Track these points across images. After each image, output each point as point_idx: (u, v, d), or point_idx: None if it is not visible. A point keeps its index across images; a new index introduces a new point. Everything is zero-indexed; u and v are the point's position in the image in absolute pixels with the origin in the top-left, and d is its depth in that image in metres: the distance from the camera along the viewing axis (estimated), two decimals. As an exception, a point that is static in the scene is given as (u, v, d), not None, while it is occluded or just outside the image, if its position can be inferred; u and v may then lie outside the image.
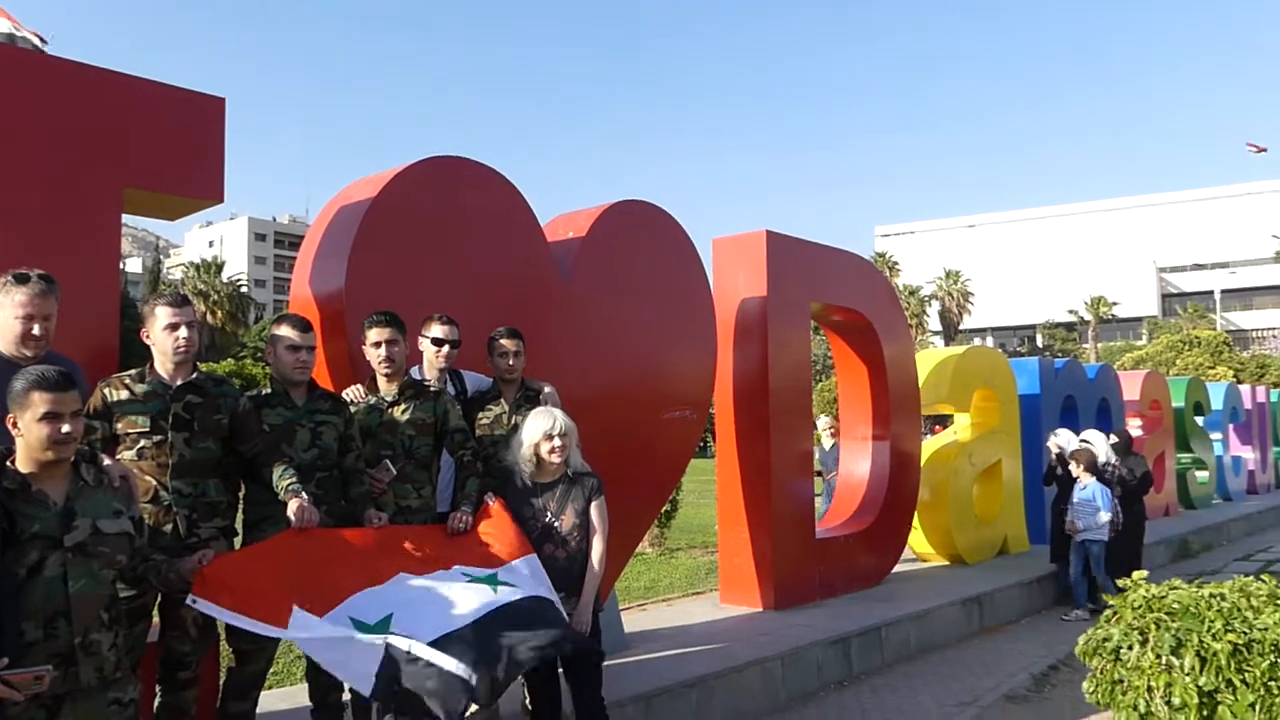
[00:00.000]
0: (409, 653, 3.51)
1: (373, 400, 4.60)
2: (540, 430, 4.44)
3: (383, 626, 3.60)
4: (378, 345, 4.55)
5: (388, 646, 3.51)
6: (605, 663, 4.70)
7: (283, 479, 3.93)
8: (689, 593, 9.76)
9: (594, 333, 6.57)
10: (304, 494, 3.87)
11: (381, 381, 4.63)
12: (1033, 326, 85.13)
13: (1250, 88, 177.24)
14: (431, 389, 4.73)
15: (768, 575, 8.12)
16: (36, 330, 3.53)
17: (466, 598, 3.86)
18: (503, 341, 5.06)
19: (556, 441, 4.43)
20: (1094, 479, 9.51)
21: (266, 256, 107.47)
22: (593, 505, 4.50)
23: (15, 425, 2.91)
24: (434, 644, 3.58)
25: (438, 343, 4.87)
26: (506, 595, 3.95)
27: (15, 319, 3.51)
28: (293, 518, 3.78)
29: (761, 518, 8.14)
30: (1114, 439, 10.43)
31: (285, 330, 4.23)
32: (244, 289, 66.26)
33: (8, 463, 2.95)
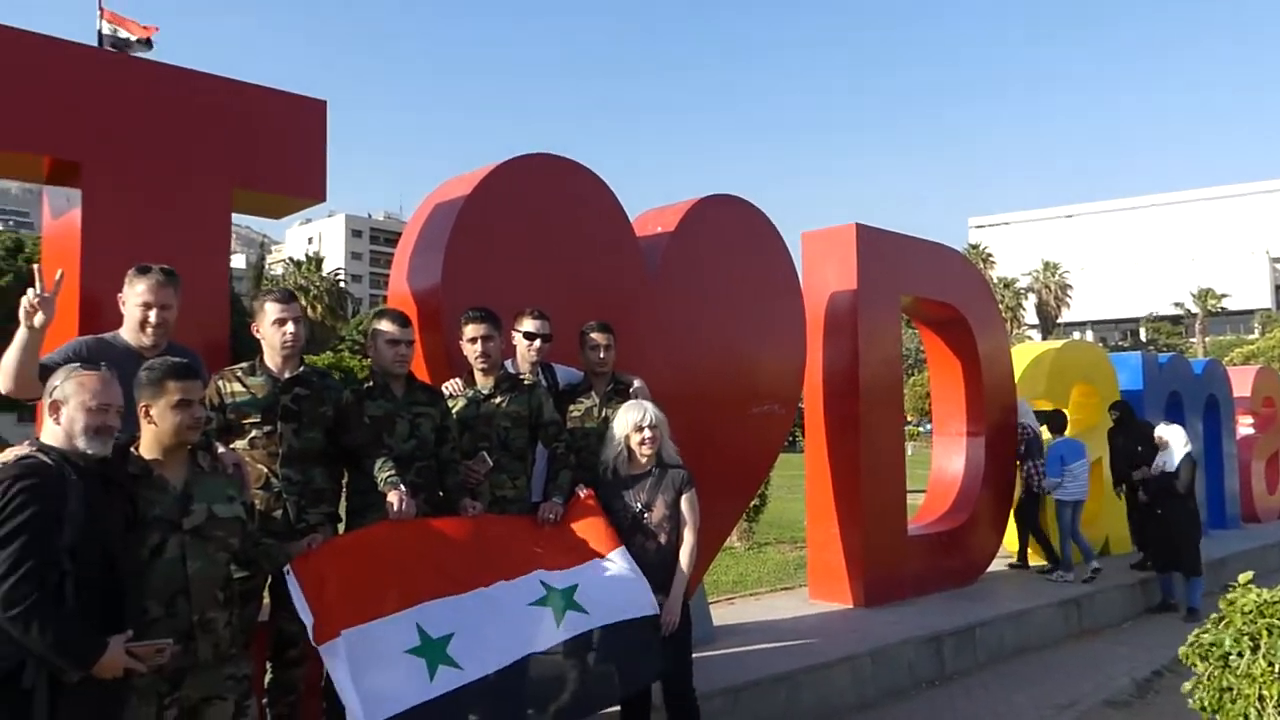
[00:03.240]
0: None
1: (470, 393, 4.70)
2: (631, 422, 4.51)
3: (441, 644, 3.69)
4: (474, 341, 4.64)
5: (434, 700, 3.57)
6: (693, 655, 4.72)
7: (382, 470, 4.05)
8: (777, 588, 9.71)
9: (682, 327, 6.59)
10: (402, 486, 3.98)
11: (478, 375, 4.72)
12: (1136, 320, 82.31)
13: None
14: (526, 382, 4.81)
15: (858, 572, 8.05)
16: (153, 317, 3.75)
17: (535, 627, 3.96)
18: (593, 335, 5.11)
19: (647, 433, 4.48)
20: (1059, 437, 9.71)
21: (362, 252, 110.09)
22: (683, 498, 4.52)
23: (148, 413, 3.10)
24: (496, 675, 3.74)
25: (530, 336, 4.95)
26: (575, 626, 4.03)
27: (136, 307, 3.76)
28: (391, 510, 3.91)
29: (852, 514, 8.07)
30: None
31: (385, 325, 4.35)
32: (342, 284, 67.93)
33: (132, 449, 3.12)
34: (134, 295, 3.77)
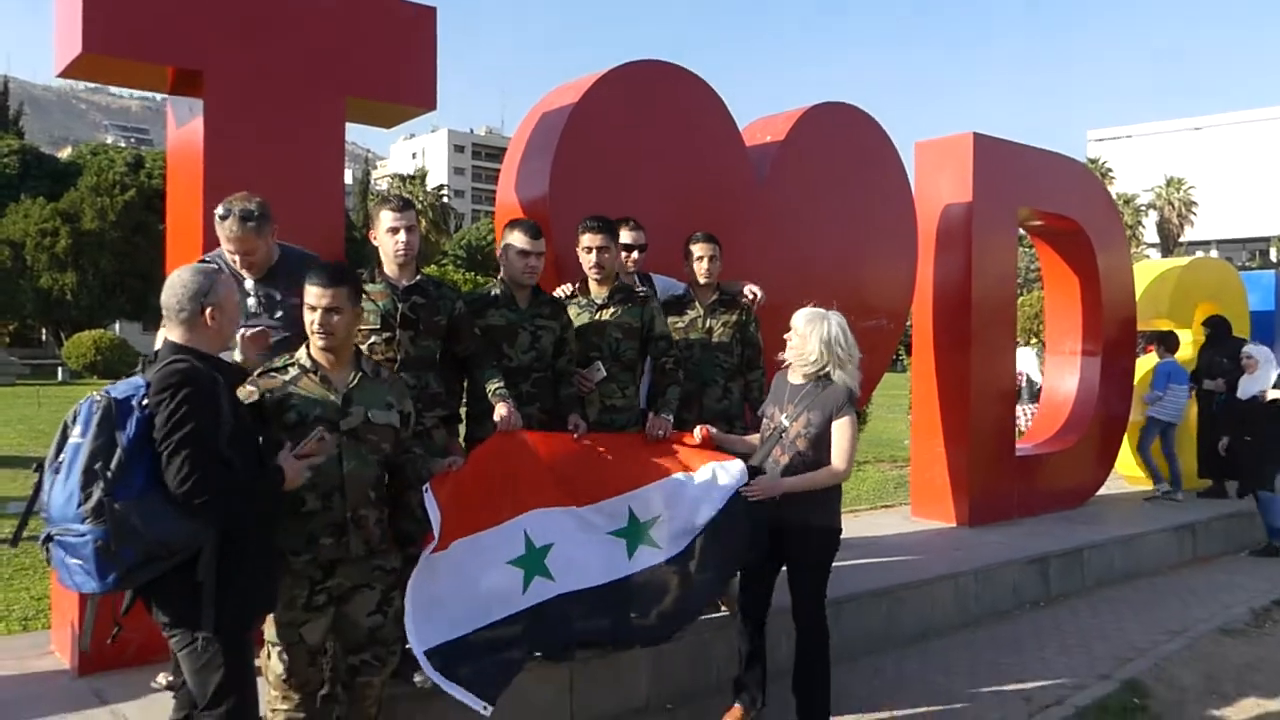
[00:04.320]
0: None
1: (584, 302, 4.72)
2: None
3: (541, 554, 3.84)
4: (589, 250, 4.62)
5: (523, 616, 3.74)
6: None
7: (490, 383, 4.12)
8: (877, 505, 9.67)
9: (790, 238, 6.48)
10: (509, 400, 4.04)
11: (592, 285, 4.72)
12: (1266, 239, 77.83)
13: None
14: (640, 294, 4.79)
15: (963, 490, 7.94)
16: (239, 262, 3.85)
17: (609, 557, 4.07)
18: (697, 246, 5.07)
19: (790, 338, 4.34)
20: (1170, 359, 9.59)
21: (465, 168, 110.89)
22: (835, 424, 4.25)
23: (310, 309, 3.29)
24: (581, 591, 3.90)
25: (626, 249, 4.90)
26: (642, 561, 4.10)
27: (227, 253, 3.86)
28: (498, 422, 3.97)
29: (959, 432, 7.94)
30: None
31: (516, 236, 4.36)
32: (445, 199, 68.73)
33: (302, 349, 3.34)
34: (221, 238, 3.83)
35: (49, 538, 2.74)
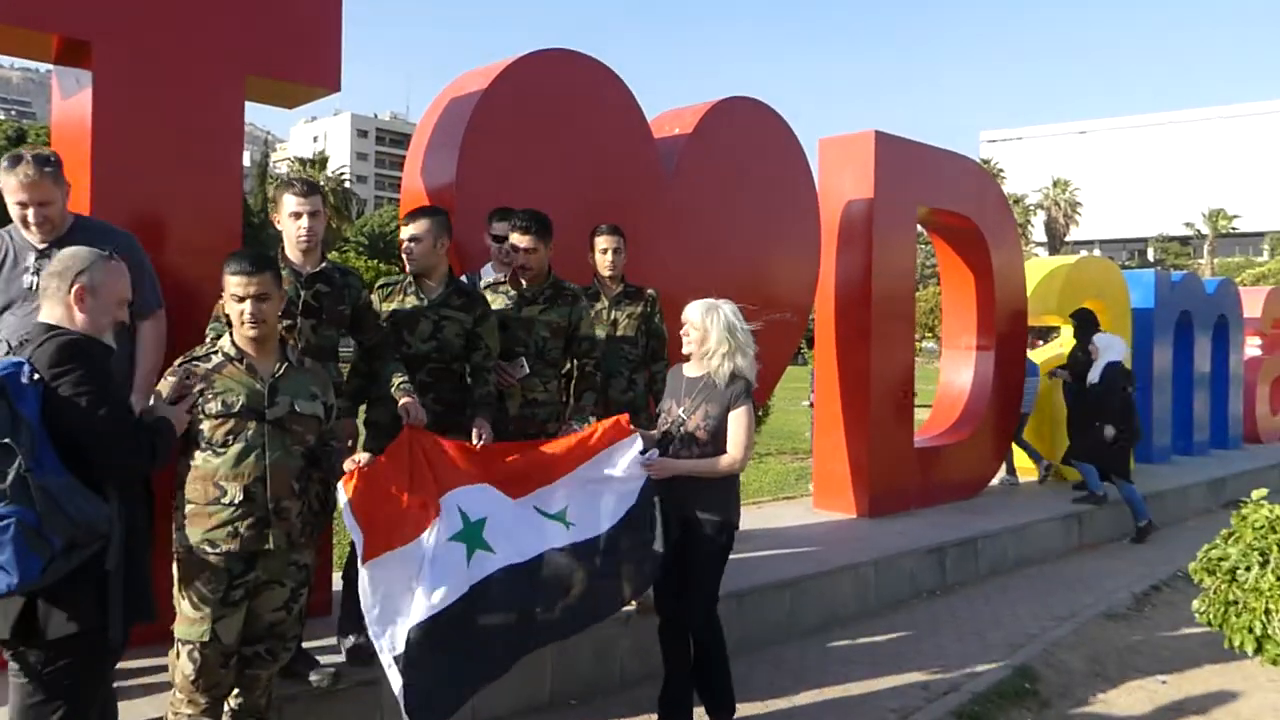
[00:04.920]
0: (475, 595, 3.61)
1: (513, 294, 4.64)
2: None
3: (479, 527, 3.71)
4: (516, 250, 4.56)
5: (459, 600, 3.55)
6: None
7: (394, 377, 3.96)
8: (779, 497, 9.79)
9: (697, 231, 6.50)
10: (414, 395, 3.88)
11: (522, 279, 4.66)
12: (1144, 240, 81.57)
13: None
14: (570, 293, 4.71)
15: (863, 482, 8.09)
16: (32, 217, 3.51)
17: (545, 530, 3.94)
18: (602, 238, 5.05)
19: (687, 331, 4.23)
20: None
21: (368, 153, 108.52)
22: (732, 414, 4.15)
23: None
24: (520, 563, 3.76)
25: (499, 239, 4.81)
26: (575, 536, 3.97)
27: (13, 205, 3.52)
28: (401, 413, 3.81)
29: (859, 425, 8.09)
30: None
31: (406, 222, 4.28)
32: (347, 184, 67.12)
33: (226, 336, 3.26)
34: (7, 192, 3.50)
35: None
